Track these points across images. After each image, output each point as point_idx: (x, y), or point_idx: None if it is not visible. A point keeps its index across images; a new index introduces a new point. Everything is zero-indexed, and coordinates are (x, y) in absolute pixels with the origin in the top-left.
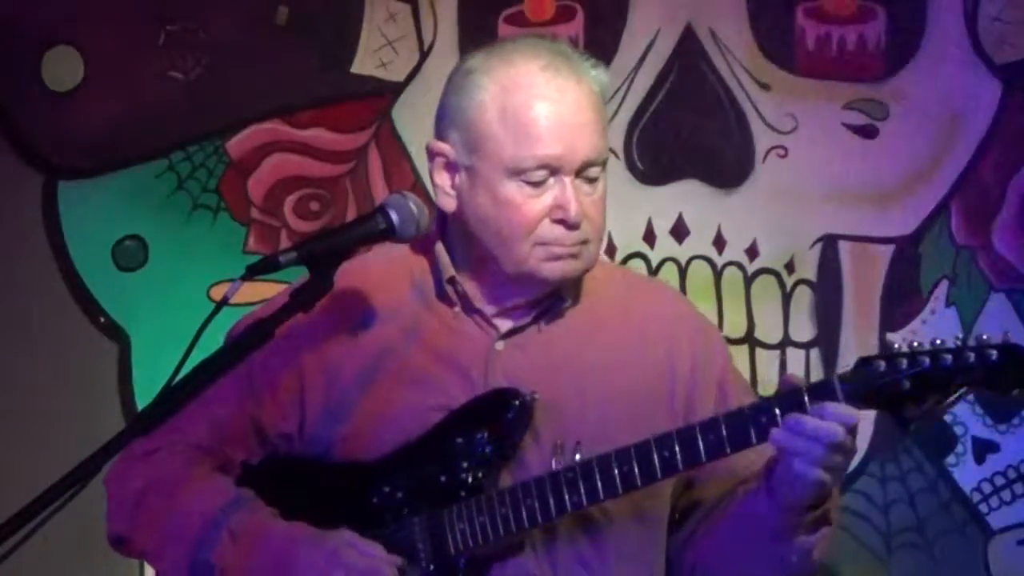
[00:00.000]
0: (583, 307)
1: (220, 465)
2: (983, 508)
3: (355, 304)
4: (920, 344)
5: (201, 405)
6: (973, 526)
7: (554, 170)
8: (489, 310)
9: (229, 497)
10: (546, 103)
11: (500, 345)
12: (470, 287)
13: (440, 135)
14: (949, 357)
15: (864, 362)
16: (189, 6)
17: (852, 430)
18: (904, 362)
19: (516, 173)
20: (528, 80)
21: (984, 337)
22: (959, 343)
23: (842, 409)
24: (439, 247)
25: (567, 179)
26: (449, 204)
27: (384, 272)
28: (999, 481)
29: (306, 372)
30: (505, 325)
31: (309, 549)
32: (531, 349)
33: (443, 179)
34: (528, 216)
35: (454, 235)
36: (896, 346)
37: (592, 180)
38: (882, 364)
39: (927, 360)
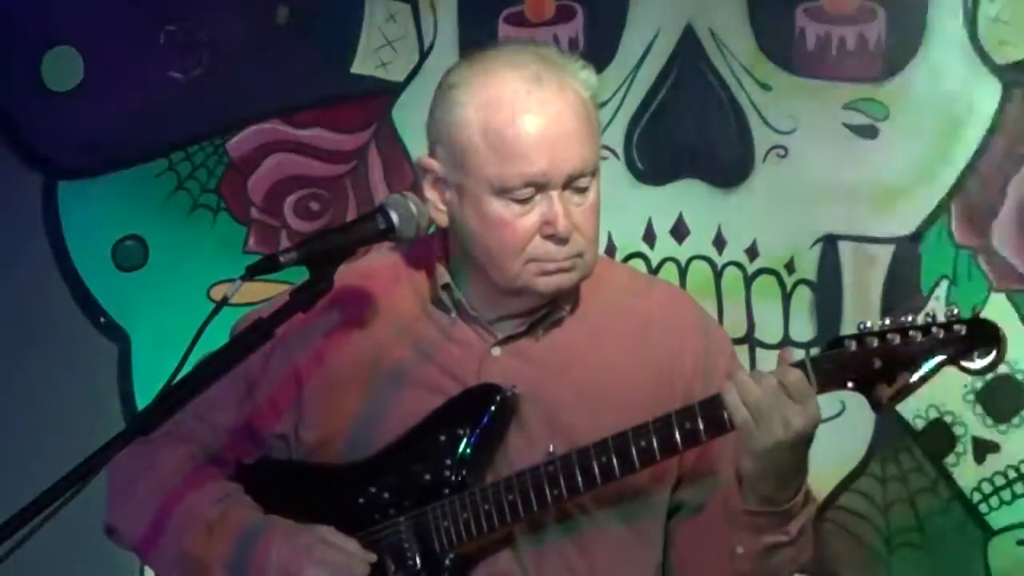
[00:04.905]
0: (582, 313)
1: (214, 462)
2: (983, 508)
3: (354, 306)
4: (890, 322)
5: (198, 405)
6: (973, 526)
7: (540, 186)
8: (486, 317)
9: (212, 491)
10: (528, 118)
11: (496, 351)
12: (467, 294)
13: (429, 150)
14: (918, 334)
15: (835, 342)
16: (189, 6)
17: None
18: (874, 341)
19: (502, 192)
20: (510, 94)
21: (955, 312)
22: (929, 320)
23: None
24: (437, 254)
25: (554, 194)
26: (441, 219)
27: (384, 275)
28: (999, 481)
29: (303, 373)
30: (502, 332)
31: (282, 544)
32: (528, 356)
33: (433, 195)
34: (517, 234)
35: (452, 243)
36: (868, 325)
37: (582, 190)
38: (853, 344)
39: (897, 338)
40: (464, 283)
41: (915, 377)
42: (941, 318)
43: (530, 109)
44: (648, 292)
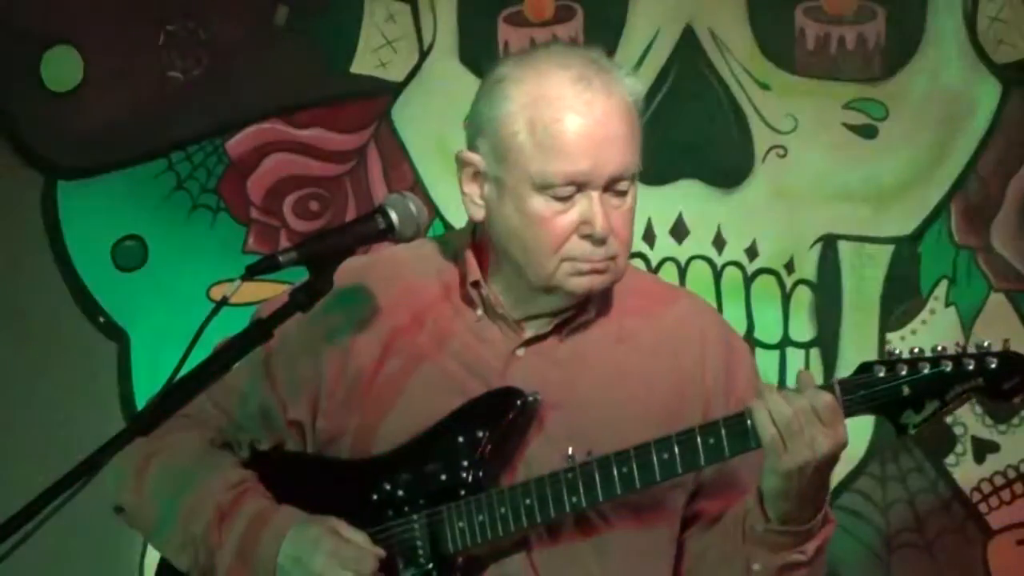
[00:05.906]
0: (608, 318)
1: (229, 447)
2: (983, 508)
3: (380, 298)
4: (920, 350)
5: (216, 390)
6: (973, 526)
7: (581, 185)
8: (513, 316)
9: (225, 477)
10: (575, 117)
11: (521, 352)
12: (496, 292)
13: (470, 144)
14: (949, 364)
15: (864, 368)
16: (189, 6)
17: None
18: (904, 368)
19: (543, 188)
20: (557, 92)
21: (985, 344)
22: (959, 350)
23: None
24: (468, 250)
25: (594, 194)
26: (478, 213)
27: (413, 269)
28: (999, 481)
29: (325, 361)
30: (528, 332)
31: (293, 535)
32: (552, 358)
33: (472, 189)
34: (555, 231)
35: (484, 240)
36: (897, 352)
37: (621, 193)
38: (882, 370)
39: (927, 367)
40: (494, 280)
41: (943, 406)
42: (972, 348)
43: (577, 108)
44: (672, 301)
